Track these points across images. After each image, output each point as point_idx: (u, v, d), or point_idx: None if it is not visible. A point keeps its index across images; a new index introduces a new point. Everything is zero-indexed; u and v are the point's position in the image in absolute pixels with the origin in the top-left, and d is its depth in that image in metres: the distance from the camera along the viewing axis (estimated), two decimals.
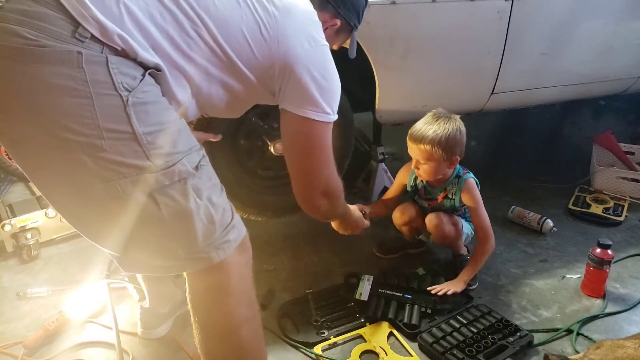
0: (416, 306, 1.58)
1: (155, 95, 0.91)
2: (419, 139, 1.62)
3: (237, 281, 1.04)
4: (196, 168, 0.95)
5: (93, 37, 0.83)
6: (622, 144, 2.59)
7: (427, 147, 1.61)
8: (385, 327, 1.52)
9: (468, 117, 2.40)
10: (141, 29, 0.89)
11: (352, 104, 1.99)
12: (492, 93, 2.18)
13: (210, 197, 0.97)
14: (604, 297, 1.68)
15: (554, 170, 2.70)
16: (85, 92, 0.81)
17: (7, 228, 1.90)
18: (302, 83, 1.08)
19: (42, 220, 1.97)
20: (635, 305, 1.64)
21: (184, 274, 1.05)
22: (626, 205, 2.28)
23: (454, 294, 1.63)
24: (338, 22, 1.29)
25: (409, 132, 1.66)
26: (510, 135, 3.49)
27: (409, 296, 1.63)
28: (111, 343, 1.46)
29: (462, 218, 1.83)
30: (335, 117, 1.16)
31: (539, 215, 2.11)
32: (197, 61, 0.98)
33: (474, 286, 1.74)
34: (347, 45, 1.43)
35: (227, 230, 1.00)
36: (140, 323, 1.51)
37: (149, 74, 0.91)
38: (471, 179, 1.75)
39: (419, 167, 1.69)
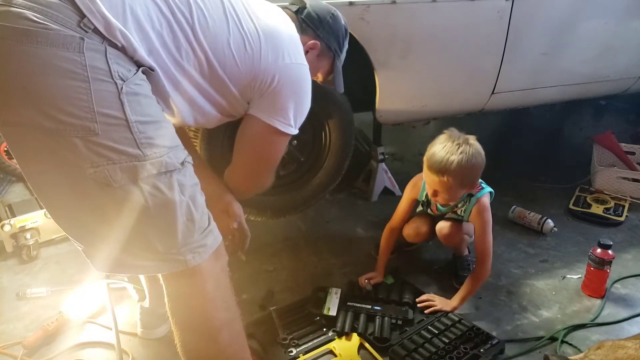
0: (386, 318, 1.54)
1: (146, 90, 0.95)
2: (441, 171, 1.48)
3: (213, 286, 1.05)
4: (182, 164, 0.98)
5: (96, 29, 0.86)
6: (623, 144, 2.59)
7: (450, 179, 1.49)
8: (355, 339, 1.48)
9: (468, 117, 2.41)
10: (141, 30, 0.93)
11: (352, 104, 1.99)
12: (493, 93, 2.17)
13: (193, 196, 1.00)
14: (604, 297, 1.68)
15: (554, 170, 2.69)
16: (83, 76, 0.84)
17: (7, 228, 1.90)
18: (278, 94, 1.15)
19: (42, 220, 1.97)
20: (627, 319, 1.59)
21: (161, 279, 1.06)
22: (627, 205, 2.27)
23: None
24: (318, 44, 1.34)
25: (428, 160, 1.51)
26: (510, 135, 3.48)
27: (378, 308, 1.58)
28: (111, 343, 1.46)
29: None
30: (296, 131, 1.23)
31: (540, 216, 2.11)
32: (185, 68, 1.03)
33: None
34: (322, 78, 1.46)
35: (204, 234, 1.02)
36: (140, 323, 1.51)
37: (142, 71, 0.94)
38: (483, 198, 1.64)
39: (436, 195, 1.57)
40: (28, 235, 1.92)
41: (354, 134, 2.06)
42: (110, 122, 0.87)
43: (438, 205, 1.74)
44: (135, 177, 0.90)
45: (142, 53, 0.92)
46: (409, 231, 1.82)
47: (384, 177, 2.37)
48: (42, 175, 0.92)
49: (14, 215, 1.97)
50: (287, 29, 1.20)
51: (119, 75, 0.87)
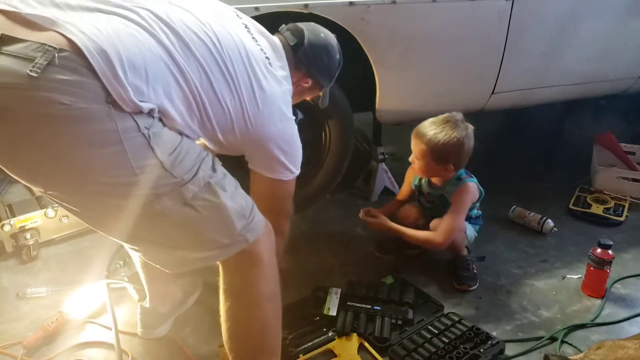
0: (386, 318, 1.54)
1: (161, 126, 0.99)
2: (419, 136, 1.67)
3: (268, 257, 1.14)
4: (213, 169, 1.06)
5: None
6: (623, 144, 2.59)
7: (423, 146, 1.66)
8: (355, 340, 1.48)
9: (468, 116, 2.41)
10: (161, 106, 0.96)
11: (352, 104, 1.99)
12: (493, 93, 2.17)
13: (232, 187, 1.10)
14: (604, 297, 1.68)
15: (554, 170, 2.70)
16: (117, 140, 0.88)
17: (7, 228, 1.90)
18: (272, 154, 1.23)
19: (42, 220, 1.97)
20: (627, 319, 1.59)
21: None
22: (627, 205, 2.27)
23: (424, 302, 1.65)
24: (310, 81, 1.39)
25: (417, 126, 1.71)
26: (510, 135, 3.48)
27: (378, 308, 1.59)
28: (111, 343, 1.46)
29: (467, 222, 1.83)
30: (298, 172, 1.32)
31: (540, 215, 2.11)
32: (192, 129, 1.07)
33: (475, 286, 1.74)
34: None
35: (252, 213, 1.12)
36: (140, 323, 1.51)
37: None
38: (471, 184, 1.75)
39: (414, 162, 1.74)
40: (28, 235, 1.91)
41: (354, 133, 2.06)
42: (147, 170, 0.93)
43: (429, 190, 1.84)
44: (184, 200, 0.99)
45: (156, 113, 0.96)
46: (400, 214, 1.93)
47: (384, 177, 2.37)
48: (102, 224, 1.03)
49: (14, 215, 1.97)
50: (280, 88, 1.22)
51: (144, 127, 0.91)
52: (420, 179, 1.88)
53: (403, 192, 1.99)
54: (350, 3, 1.70)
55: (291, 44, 1.32)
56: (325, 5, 1.66)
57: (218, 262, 1.12)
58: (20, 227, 1.92)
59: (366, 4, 1.72)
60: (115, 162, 0.90)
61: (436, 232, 1.71)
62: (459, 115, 1.69)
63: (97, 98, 0.85)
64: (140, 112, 0.91)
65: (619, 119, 3.54)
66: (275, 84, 1.20)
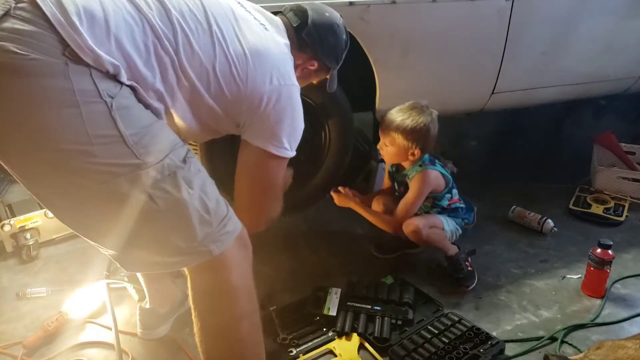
0: (386, 318, 1.54)
1: (133, 101, 0.94)
2: (387, 123, 1.73)
3: (237, 276, 1.06)
4: (184, 161, 0.98)
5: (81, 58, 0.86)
6: (623, 144, 2.59)
7: (392, 132, 1.71)
8: (355, 340, 1.48)
9: (468, 116, 2.41)
10: (127, 57, 0.92)
11: (352, 104, 1.99)
12: (493, 93, 2.17)
13: (203, 187, 1.01)
14: (604, 297, 1.68)
15: (554, 170, 2.69)
16: (73, 102, 0.84)
17: (7, 228, 1.90)
18: (267, 117, 1.13)
19: (42, 220, 1.97)
20: (627, 319, 1.58)
21: (185, 271, 1.07)
22: (627, 205, 2.27)
23: (424, 302, 1.65)
24: (315, 64, 1.33)
25: (384, 115, 1.77)
26: (510, 135, 3.48)
27: (378, 308, 1.58)
28: (110, 343, 1.46)
29: (444, 215, 1.82)
30: (293, 153, 1.21)
31: (540, 216, 2.11)
32: (172, 92, 1.02)
33: (473, 284, 1.74)
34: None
35: (224, 222, 1.03)
36: (139, 323, 1.51)
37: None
38: (432, 171, 1.76)
39: (382, 148, 1.79)
40: (28, 235, 1.92)
41: (354, 133, 2.06)
42: (106, 142, 0.88)
43: (397, 174, 1.91)
44: (142, 185, 0.92)
45: (126, 80, 0.92)
46: (374, 200, 1.96)
47: (383, 177, 2.37)
48: (51, 198, 0.95)
49: (14, 215, 1.97)
50: (277, 48, 1.16)
51: (107, 94, 0.87)
52: (393, 166, 1.91)
53: (385, 183, 2.03)
54: (350, 3, 1.70)
55: (294, 25, 1.27)
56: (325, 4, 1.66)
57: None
58: (20, 227, 1.92)
59: (366, 4, 1.72)
60: (69, 126, 0.84)
61: (395, 218, 1.76)
62: (424, 102, 1.74)
63: (53, 51, 0.82)
64: (104, 72, 0.87)
65: (619, 119, 3.54)
66: (271, 44, 1.14)
